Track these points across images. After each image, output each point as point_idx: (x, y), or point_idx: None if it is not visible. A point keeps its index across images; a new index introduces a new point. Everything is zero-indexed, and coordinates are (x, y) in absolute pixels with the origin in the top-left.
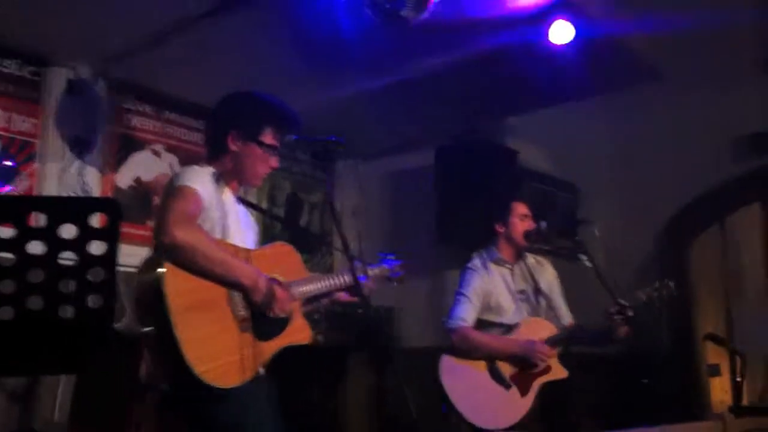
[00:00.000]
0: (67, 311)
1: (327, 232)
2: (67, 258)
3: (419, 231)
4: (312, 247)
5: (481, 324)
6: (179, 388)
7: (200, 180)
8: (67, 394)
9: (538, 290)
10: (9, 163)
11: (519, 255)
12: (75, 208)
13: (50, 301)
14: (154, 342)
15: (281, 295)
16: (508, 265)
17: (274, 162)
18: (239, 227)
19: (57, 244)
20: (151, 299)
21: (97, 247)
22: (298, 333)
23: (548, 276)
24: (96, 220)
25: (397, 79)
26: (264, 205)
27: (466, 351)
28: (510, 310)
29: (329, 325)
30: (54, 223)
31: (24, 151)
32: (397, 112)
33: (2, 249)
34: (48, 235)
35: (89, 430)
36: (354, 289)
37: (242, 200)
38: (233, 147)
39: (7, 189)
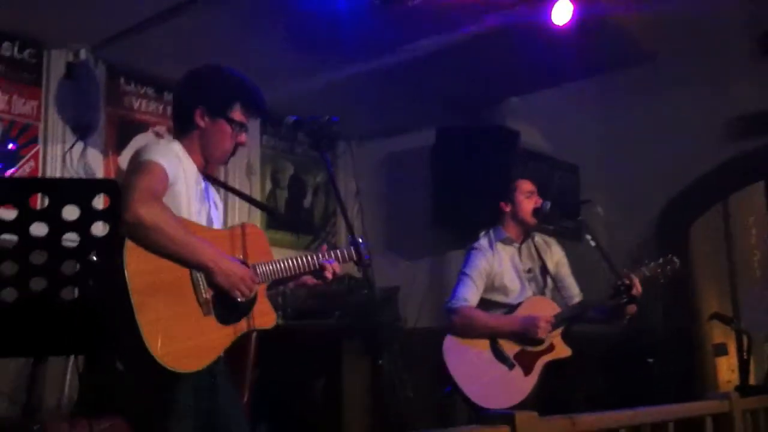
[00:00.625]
0: (71, 292)
1: (331, 213)
2: (70, 239)
3: (419, 212)
4: (311, 229)
5: (486, 304)
6: (137, 369)
7: (166, 155)
8: (74, 381)
9: (545, 269)
10: (11, 146)
11: (526, 233)
12: (77, 189)
13: (53, 282)
14: (114, 321)
15: (245, 278)
16: (515, 244)
17: (242, 138)
18: (205, 206)
19: (60, 226)
20: (112, 278)
21: (99, 228)
22: (262, 317)
23: (556, 255)
24: (99, 202)
25: (396, 60)
26: (267, 186)
27: (467, 330)
28: (516, 290)
29: (331, 304)
30: (56, 204)
31: (25, 133)
32: (397, 93)
33: (5, 231)
34: (50, 216)
35: (97, 419)
36: (360, 266)
37: (210, 178)
38: (201, 123)
39: (10, 172)
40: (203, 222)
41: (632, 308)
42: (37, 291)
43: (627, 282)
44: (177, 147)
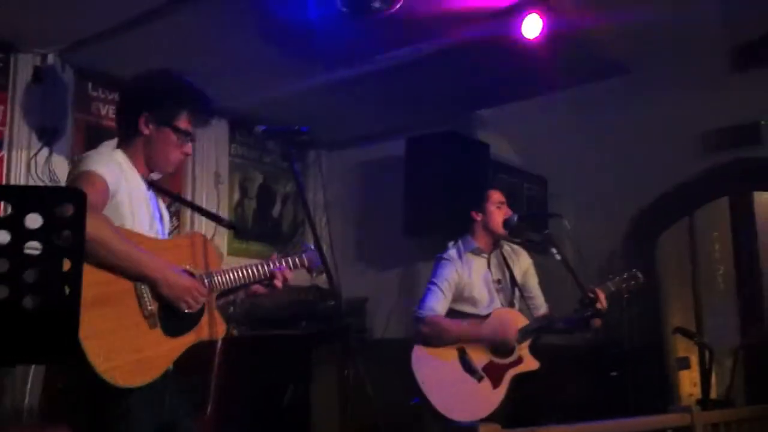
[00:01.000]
0: (32, 301)
1: (300, 222)
2: (33, 247)
3: (389, 222)
4: (281, 239)
5: (455, 314)
6: (84, 384)
7: (107, 164)
8: (36, 390)
9: (513, 280)
10: None
11: (495, 244)
12: (41, 197)
13: (15, 290)
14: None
15: (191, 289)
16: (484, 255)
17: (188, 149)
18: (149, 215)
19: (22, 234)
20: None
21: (63, 238)
22: (212, 327)
23: (524, 264)
24: (63, 211)
25: (368, 69)
26: (236, 195)
27: (434, 338)
28: (484, 301)
29: (299, 315)
30: (19, 212)
31: None
32: (368, 103)
33: None
34: (13, 224)
35: (60, 414)
36: (311, 274)
37: (155, 186)
38: (145, 130)
39: None
40: (149, 232)
41: (597, 321)
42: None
43: (592, 296)
44: (119, 155)
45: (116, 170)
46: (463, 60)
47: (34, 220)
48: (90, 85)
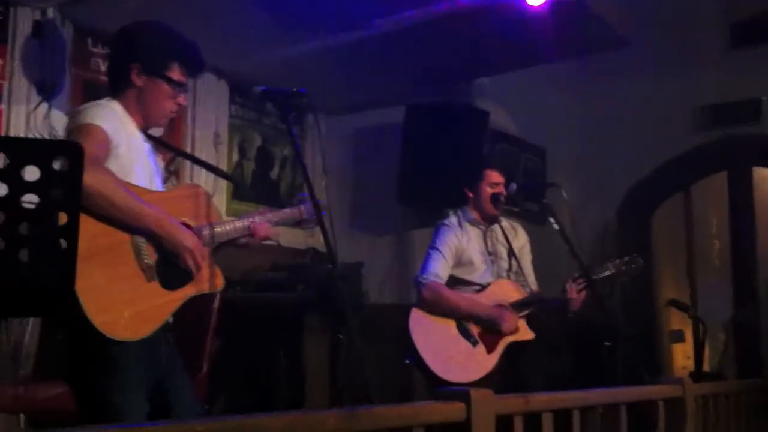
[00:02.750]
0: (28, 254)
1: (298, 186)
2: (30, 201)
3: (385, 189)
4: (279, 201)
5: (453, 280)
6: (80, 337)
7: (106, 116)
8: (32, 346)
9: (511, 251)
10: None
11: (490, 220)
12: (38, 150)
13: (11, 243)
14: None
15: (194, 249)
16: (481, 227)
17: (182, 99)
18: (149, 168)
19: (19, 186)
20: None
21: (60, 191)
22: (212, 280)
23: (521, 240)
24: (60, 164)
25: (368, 34)
26: (235, 156)
27: (434, 306)
28: (481, 269)
29: (296, 278)
30: (16, 164)
31: None
32: (366, 68)
33: None
34: (10, 176)
35: (55, 380)
36: (304, 227)
37: (151, 137)
38: (138, 82)
39: None
40: (149, 185)
41: (577, 303)
42: None
43: (582, 271)
44: (117, 107)
45: (116, 121)
46: (464, 27)
47: (31, 173)
48: (89, 40)
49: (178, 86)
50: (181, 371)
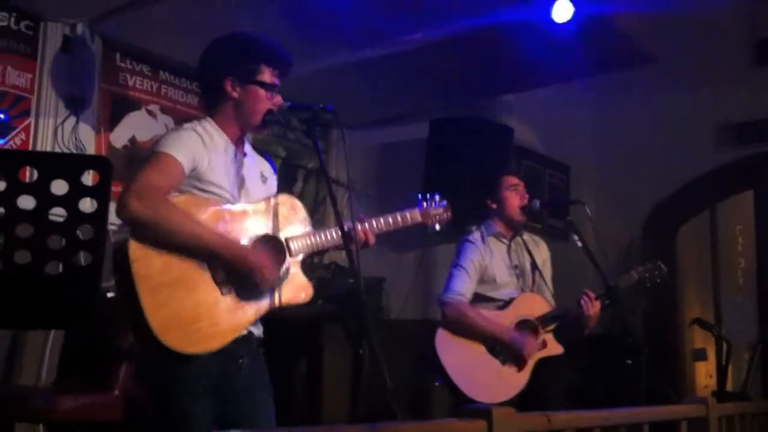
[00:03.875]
0: (55, 267)
1: (321, 201)
2: (57, 214)
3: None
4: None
5: (476, 297)
6: (148, 353)
7: (184, 142)
8: (54, 356)
9: (534, 265)
10: (2, 117)
11: (515, 231)
12: (67, 164)
13: (38, 256)
14: (125, 307)
15: (261, 267)
16: (504, 240)
17: (278, 100)
18: (237, 181)
19: (47, 200)
20: (120, 264)
21: (87, 205)
22: (296, 292)
23: (543, 254)
24: (88, 178)
25: (394, 50)
26: None
27: (457, 326)
28: (505, 285)
29: (317, 292)
30: (45, 178)
31: (18, 105)
32: (392, 83)
33: None
34: (39, 190)
35: (76, 392)
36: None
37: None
38: (234, 94)
39: (0, 143)
40: (239, 198)
41: (591, 324)
42: (22, 264)
43: (605, 289)
44: (206, 125)
45: (195, 145)
46: (489, 43)
47: (59, 187)
48: (118, 55)
49: (272, 88)
50: (264, 387)
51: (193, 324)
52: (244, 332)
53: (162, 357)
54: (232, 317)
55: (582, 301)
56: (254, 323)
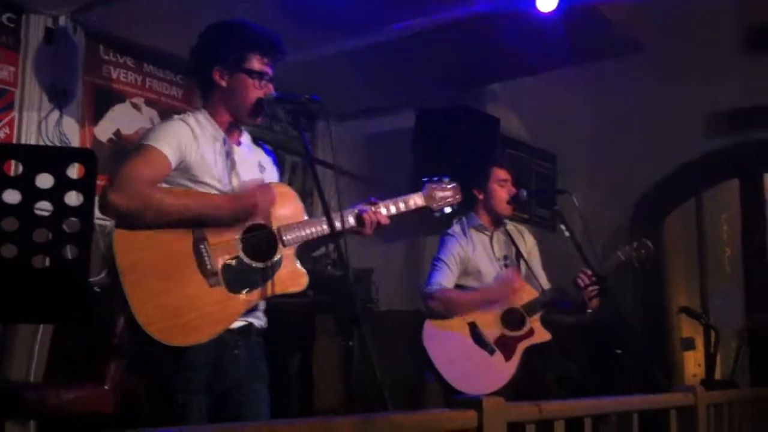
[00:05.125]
0: (42, 261)
1: (308, 192)
2: (43, 208)
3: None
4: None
5: (460, 289)
6: (143, 345)
7: (173, 134)
8: (44, 350)
9: (519, 254)
10: None
11: (498, 222)
12: (52, 157)
13: (24, 249)
14: (118, 302)
15: (257, 199)
16: (487, 232)
17: (269, 89)
18: (248, 174)
19: (33, 193)
20: (109, 258)
21: (73, 198)
22: (291, 281)
23: (528, 243)
24: (73, 171)
25: (379, 39)
26: None
27: (445, 310)
28: (490, 276)
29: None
30: (30, 172)
31: (1, 99)
32: (378, 73)
33: None
34: (24, 183)
35: (67, 386)
36: (336, 241)
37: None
38: (222, 83)
39: None
40: (230, 181)
41: (594, 303)
42: (8, 258)
43: (594, 278)
44: (193, 119)
45: (183, 136)
46: (475, 33)
47: (45, 180)
48: (101, 47)
49: (261, 76)
50: (260, 378)
51: (181, 316)
52: (241, 323)
53: (156, 349)
54: (221, 308)
55: (578, 280)
56: (254, 314)
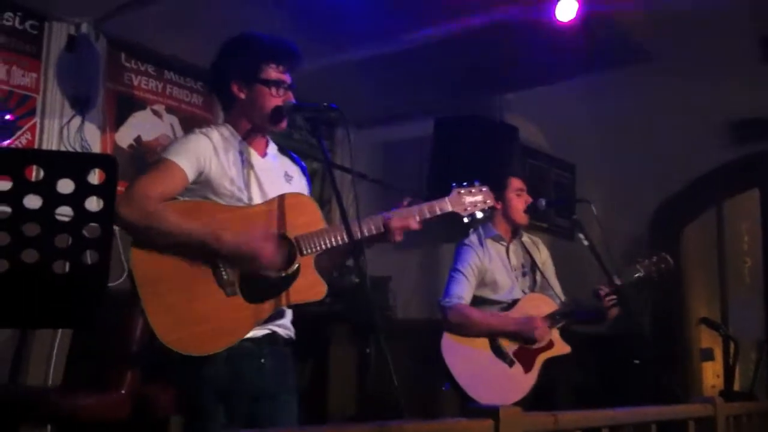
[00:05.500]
0: (62, 266)
1: (327, 200)
2: (64, 213)
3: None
4: None
5: (477, 300)
6: (165, 353)
7: (190, 149)
8: (62, 356)
9: (534, 265)
10: (8, 117)
11: (515, 232)
12: (73, 163)
13: (45, 255)
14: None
15: (264, 251)
16: (503, 242)
17: (289, 96)
18: (272, 184)
19: (54, 199)
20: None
21: (93, 203)
22: (308, 290)
23: (542, 254)
24: (94, 177)
25: (397, 48)
26: None
27: (462, 328)
28: (506, 287)
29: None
30: (51, 177)
31: (23, 105)
32: (396, 82)
33: None
34: (45, 189)
35: (84, 391)
36: (356, 250)
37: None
38: (241, 95)
39: (6, 143)
40: (249, 191)
41: (613, 312)
42: (29, 263)
43: (612, 288)
44: (218, 133)
45: (203, 149)
46: (493, 42)
47: (65, 186)
48: (123, 55)
49: (278, 84)
50: (288, 389)
51: (198, 326)
52: (265, 332)
53: (178, 357)
54: (238, 317)
55: (599, 291)
56: (278, 323)
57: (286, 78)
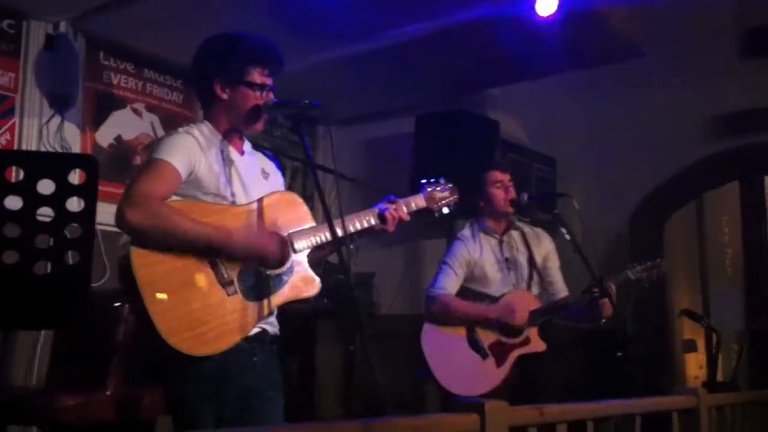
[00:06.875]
0: (44, 267)
1: (309, 197)
2: (45, 214)
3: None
4: None
5: (467, 293)
6: (159, 354)
7: (179, 148)
8: (45, 356)
9: (532, 260)
10: None
11: (508, 224)
12: (53, 163)
13: (26, 255)
14: (135, 314)
15: (270, 248)
16: (495, 235)
17: (269, 97)
18: (252, 181)
19: (34, 199)
20: (125, 272)
21: (74, 204)
22: (303, 286)
23: (544, 248)
24: (74, 177)
25: (379, 45)
26: None
27: (444, 317)
28: (496, 280)
29: None
30: (32, 178)
31: (2, 105)
32: (378, 79)
33: None
34: (25, 189)
35: (68, 392)
36: (339, 250)
37: (259, 147)
38: (223, 95)
39: None
40: (243, 196)
41: (608, 309)
42: (10, 264)
43: (595, 290)
44: (203, 128)
45: (191, 148)
46: (474, 38)
47: (46, 186)
48: (101, 53)
49: (262, 88)
50: (275, 385)
51: (201, 326)
52: (257, 330)
53: (173, 358)
54: (240, 317)
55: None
56: (267, 321)
57: (269, 81)
